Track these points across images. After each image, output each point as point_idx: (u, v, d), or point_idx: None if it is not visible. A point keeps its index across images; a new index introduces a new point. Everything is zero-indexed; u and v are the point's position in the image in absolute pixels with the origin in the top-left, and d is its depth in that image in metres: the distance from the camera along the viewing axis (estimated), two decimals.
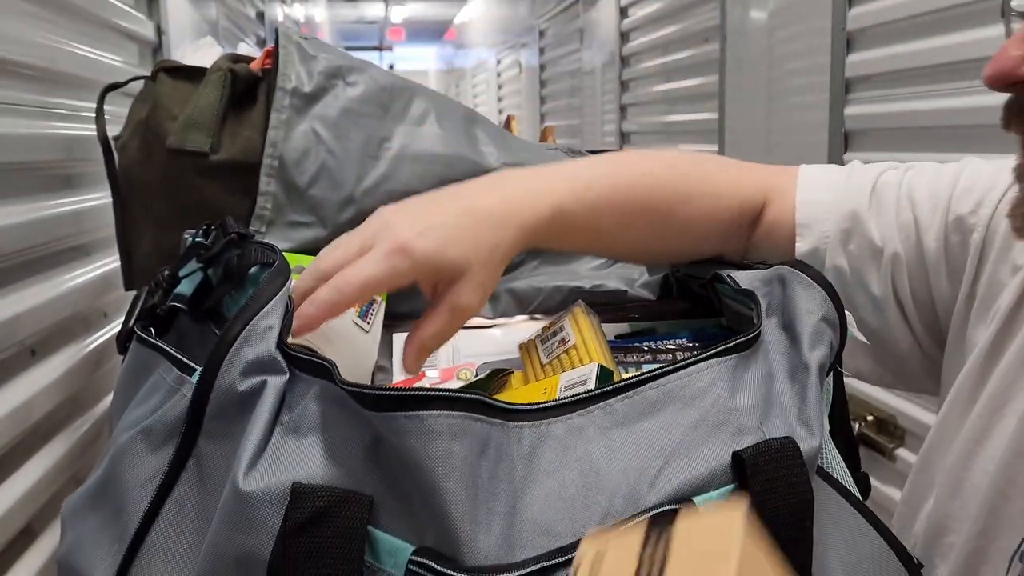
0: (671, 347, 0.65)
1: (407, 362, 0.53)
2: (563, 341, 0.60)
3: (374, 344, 0.68)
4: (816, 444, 0.48)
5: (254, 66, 0.71)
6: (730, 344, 0.50)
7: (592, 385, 0.51)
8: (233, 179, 0.67)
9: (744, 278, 0.58)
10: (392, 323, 0.68)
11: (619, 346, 0.66)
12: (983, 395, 0.59)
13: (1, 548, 0.72)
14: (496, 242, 0.54)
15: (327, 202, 0.67)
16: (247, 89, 0.69)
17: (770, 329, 0.52)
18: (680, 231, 0.65)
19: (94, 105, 0.84)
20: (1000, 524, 0.56)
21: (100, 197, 0.99)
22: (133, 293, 0.79)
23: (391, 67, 11.72)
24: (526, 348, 0.63)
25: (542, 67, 4.26)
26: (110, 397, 0.97)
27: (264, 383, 0.44)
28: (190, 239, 0.59)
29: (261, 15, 2.71)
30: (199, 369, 0.46)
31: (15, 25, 0.82)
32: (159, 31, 1.32)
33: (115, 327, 1.04)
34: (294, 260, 0.67)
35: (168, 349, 0.50)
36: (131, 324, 0.54)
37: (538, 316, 0.74)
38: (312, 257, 0.67)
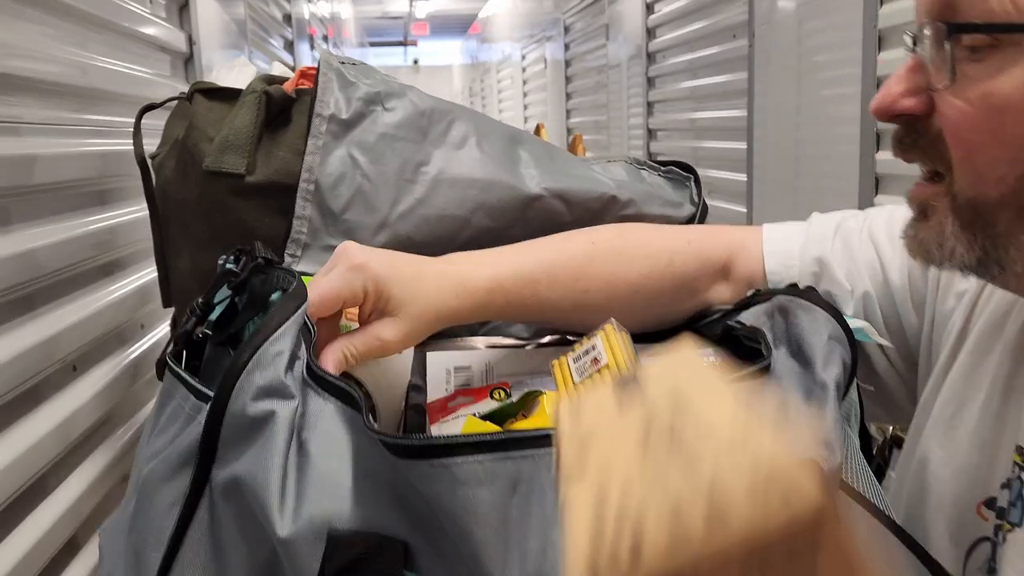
0: None
1: (327, 361, 0.56)
2: (595, 360, 0.60)
3: (406, 363, 0.69)
4: (836, 462, 0.48)
5: (288, 87, 0.72)
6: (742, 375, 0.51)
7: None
8: (268, 199, 0.68)
9: (750, 316, 0.59)
10: (425, 342, 0.69)
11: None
12: (931, 416, 0.62)
13: (47, 561, 0.74)
14: (434, 298, 0.61)
15: (362, 226, 0.68)
16: (281, 110, 0.69)
17: (780, 360, 0.53)
18: (630, 293, 0.68)
19: (126, 119, 0.85)
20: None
21: (134, 211, 1.00)
22: (171, 309, 0.81)
23: (415, 62, 11.75)
24: (559, 366, 0.63)
25: (567, 62, 4.25)
26: (148, 408, 1.00)
27: (275, 410, 0.45)
28: (224, 263, 0.59)
29: (288, 17, 2.72)
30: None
31: (44, 42, 0.84)
32: (190, 41, 1.33)
33: (152, 338, 1.05)
34: None
35: (187, 378, 0.51)
36: (168, 351, 0.55)
37: (572, 337, 0.74)
38: None
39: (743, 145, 2.11)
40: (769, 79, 1.98)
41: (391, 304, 0.59)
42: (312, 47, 3.36)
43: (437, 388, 0.70)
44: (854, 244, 0.69)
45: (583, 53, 3.93)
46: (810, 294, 0.57)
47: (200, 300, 0.55)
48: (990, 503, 0.57)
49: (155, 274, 0.79)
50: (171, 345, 0.55)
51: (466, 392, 0.68)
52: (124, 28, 1.06)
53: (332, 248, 0.69)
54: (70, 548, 0.80)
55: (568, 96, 4.25)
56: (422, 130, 0.71)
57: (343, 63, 0.72)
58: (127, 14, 1.07)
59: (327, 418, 0.46)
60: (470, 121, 0.73)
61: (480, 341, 0.73)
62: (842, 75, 1.61)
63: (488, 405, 0.67)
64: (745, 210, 2.12)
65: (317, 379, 0.47)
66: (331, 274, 0.58)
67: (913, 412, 0.70)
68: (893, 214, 0.69)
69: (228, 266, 0.57)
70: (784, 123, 1.90)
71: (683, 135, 2.68)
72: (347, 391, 0.46)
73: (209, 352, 0.57)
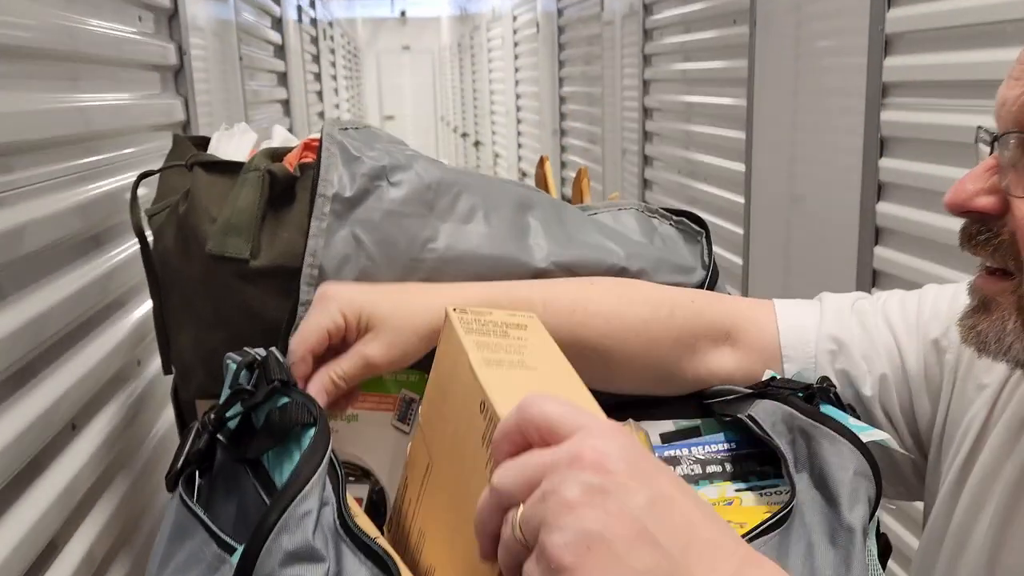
0: (719, 456, 0.65)
1: (312, 388, 0.58)
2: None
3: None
4: None
5: (291, 159, 0.69)
6: (770, 522, 0.50)
7: None
8: (274, 282, 0.66)
9: (766, 414, 0.59)
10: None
11: (664, 455, 0.65)
12: (956, 513, 0.62)
13: None
14: (420, 307, 0.60)
15: None
16: (284, 188, 0.67)
17: (803, 488, 0.53)
18: (626, 334, 0.67)
19: (115, 154, 0.82)
20: None
21: (125, 250, 0.98)
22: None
23: (403, 14, 11.53)
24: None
25: (560, 28, 4.17)
26: (151, 453, 0.99)
27: (308, 572, 0.44)
28: (232, 364, 0.58)
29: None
30: (238, 550, 0.46)
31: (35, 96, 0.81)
32: (180, 51, 1.29)
33: (150, 373, 1.04)
34: None
35: (207, 521, 0.50)
36: (179, 465, 0.54)
37: None
38: None
39: (742, 135, 2.08)
40: (768, 66, 1.94)
41: (373, 321, 0.60)
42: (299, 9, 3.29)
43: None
44: (870, 325, 0.69)
45: (575, 18, 3.85)
46: (832, 423, 0.56)
47: (212, 416, 0.53)
48: None
49: (148, 307, 0.76)
50: (180, 460, 0.54)
51: None
52: (114, 58, 1.02)
53: None
54: None
55: (561, 64, 4.19)
56: (428, 204, 0.69)
57: (345, 130, 0.70)
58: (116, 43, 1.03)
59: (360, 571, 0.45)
60: (478, 192, 0.71)
61: None
62: (846, 73, 1.58)
63: None
64: (743, 200, 2.10)
65: (350, 534, 0.46)
66: (308, 315, 0.59)
67: (922, 489, 0.70)
68: (905, 301, 0.70)
69: (239, 379, 0.55)
70: (783, 111, 1.87)
71: (678, 116, 2.64)
72: (378, 552, 0.45)
73: (220, 460, 0.56)
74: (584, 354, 0.63)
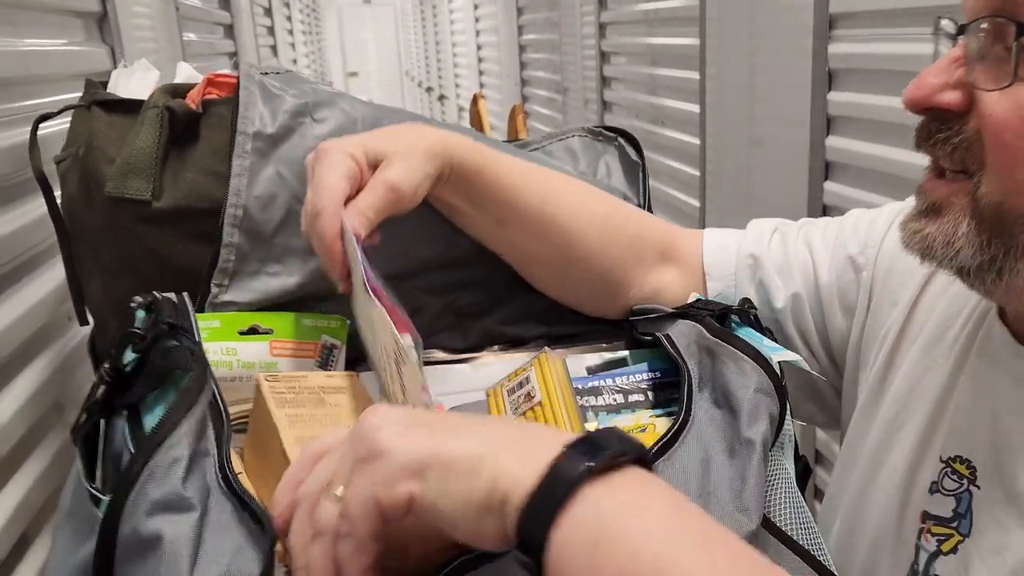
0: (642, 384, 0.64)
1: (353, 224, 0.57)
2: (529, 396, 0.58)
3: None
4: (752, 528, 0.48)
5: (193, 96, 0.66)
6: (663, 441, 0.51)
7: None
8: (181, 225, 0.64)
9: (680, 339, 0.60)
10: (357, 367, 0.66)
11: (588, 386, 0.64)
12: (873, 427, 0.63)
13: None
14: (417, 139, 0.61)
15: (294, 249, 0.64)
16: (187, 126, 0.64)
17: (704, 407, 0.52)
18: (591, 219, 0.69)
19: (31, 102, 0.79)
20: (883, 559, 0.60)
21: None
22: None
23: None
24: (493, 398, 0.62)
25: None
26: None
27: (164, 529, 0.42)
28: (136, 307, 0.56)
29: None
30: (104, 500, 0.44)
31: None
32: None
33: (85, 329, 1.01)
34: (256, 318, 0.64)
35: (85, 481, 0.47)
36: (82, 419, 0.52)
37: (506, 347, 0.72)
38: (276, 312, 0.65)
39: (695, 75, 2.05)
40: (719, 3, 1.91)
41: (381, 154, 0.59)
42: None
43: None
44: (789, 243, 0.71)
45: None
46: (738, 342, 0.56)
47: (107, 366, 0.51)
48: (926, 516, 0.58)
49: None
50: (82, 415, 0.52)
51: None
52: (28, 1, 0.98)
53: (261, 273, 0.65)
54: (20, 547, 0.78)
55: (520, 11, 4.11)
56: None
57: (266, 74, 0.67)
58: None
59: (233, 529, 0.43)
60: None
61: None
62: (794, 9, 1.56)
63: None
64: (698, 142, 2.09)
65: (229, 487, 0.45)
66: (319, 171, 0.58)
67: (839, 406, 0.71)
68: (827, 224, 0.72)
69: (137, 318, 0.53)
70: (738, 50, 1.85)
71: (638, 59, 2.60)
72: (255, 511, 0.43)
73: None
74: (549, 235, 0.67)
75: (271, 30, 3.86)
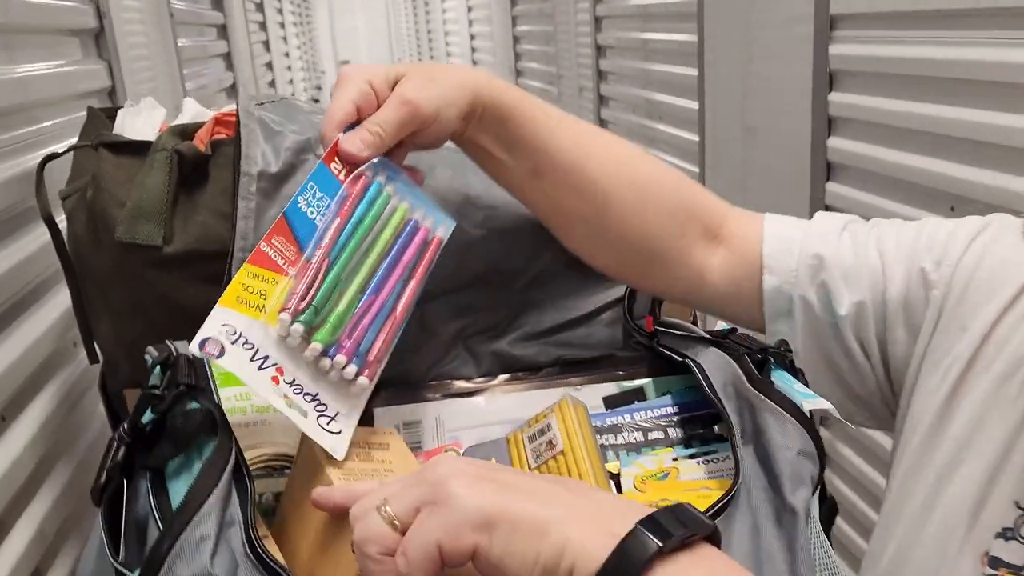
0: (663, 420, 0.64)
1: (347, 143, 0.55)
2: (551, 444, 0.58)
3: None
4: None
5: (202, 136, 0.66)
6: (718, 507, 0.50)
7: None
8: (191, 268, 0.63)
9: (716, 373, 0.57)
10: (374, 396, 0.66)
11: (606, 423, 0.64)
12: (935, 458, 0.59)
13: None
14: (449, 69, 0.60)
15: None
16: (195, 167, 0.64)
17: (748, 463, 0.51)
18: (631, 181, 0.66)
19: (32, 128, 0.77)
20: None
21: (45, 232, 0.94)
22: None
23: None
24: (514, 443, 0.61)
25: None
26: (96, 438, 0.96)
27: None
28: (151, 362, 0.55)
29: None
30: None
31: None
32: (99, 14, 1.23)
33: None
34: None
35: (111, 556, 0.47)
36: (102, 480, 0.51)
37: (520, 375, 0.71)
38: None
39: (694, 71, 2.04)
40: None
41: (397, 73, 0.58)
42: None
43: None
44: (859, 246, 0.65)
45: None
46: (778, 396, 0.54)
47: (126, 425, 0.50)
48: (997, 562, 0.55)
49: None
50: (103, 474, 0.51)
51: (417, 456, 0.66)
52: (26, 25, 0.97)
53: None
54: None
55: (513, 2, 4.09)
56: None
57: (262, 104, 0.66)
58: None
59: None
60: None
61: (429, 390, 0.70)
62: (793, 7, 1.55)
63: None
64: (697, 138, 2.08)
65: (258, 557, 0.44)
66: (332, 98, 0.56)
67: (886, 415, 0.67)
68: (902, 227, 0.66)
69: (152, 374, 0.52)
70: (734, 46, 1.84)
71: (632, 55, 2.59)
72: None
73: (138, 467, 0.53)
74: (583, 190, 0.64)
75: (263, 25, 3.83)
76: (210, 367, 0.56)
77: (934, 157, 1.24)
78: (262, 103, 0.66)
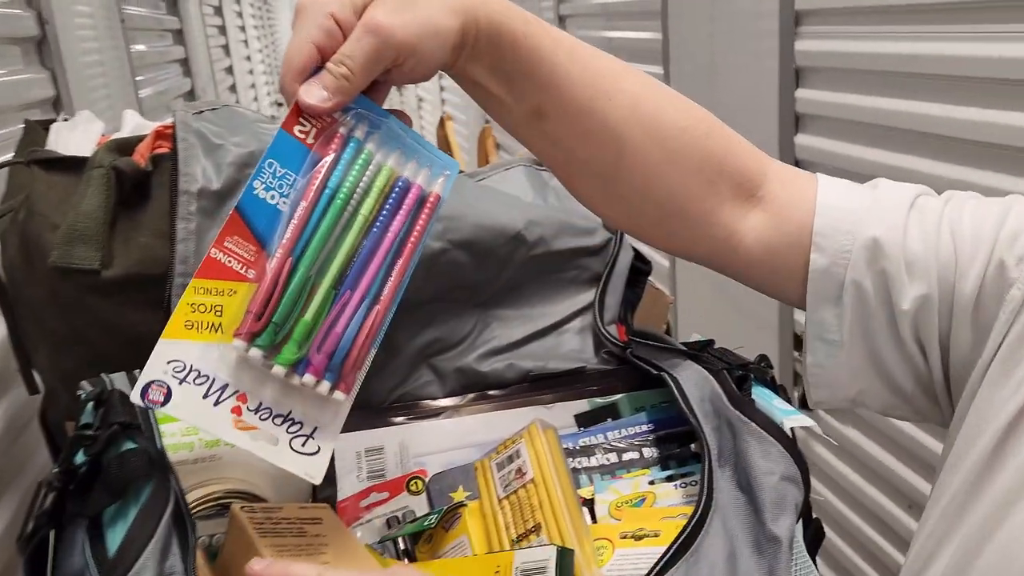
0: (637, 440, 0.61)
1: (305, 94, 0.46)
2: (520, 472, 0.55)
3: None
4: None
5: (142, 151, 0.62)
6: (683, 537, 0.47)
7: (552, 574, 0.46)
8: (133, 293, 0.59)
9: (694, 391, 0.54)
10: None
11: (578, 444, 0.61)
12: (996, 481, 0.51)
13: None
14: None
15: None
16: (136, 186, 0.60)
17: (725, 488, 0.48)
18: (655, 128, 0.56)
19: None
20: None
21: None
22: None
23: None
24: (481, 472, 0.58)
25: None
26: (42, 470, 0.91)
27: None
28: (84, 398, 0.51)
29: None
30: None
31: None
32: (41, 21, 1.17)
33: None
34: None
35: None
36: (28, 529, 0.47)
37: (488, 394, 0.68)
38: None
39: (659, 69, 2.02)
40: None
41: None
42: None
43: (348, 475, 0.64)
44: (930, 230, 0.55)
45: None
46: (760, 417, 0.51)
47: (57, 470, 0.46)
48: None
49: None
50: (30, 523, 0.47)
51: (380, 487, 0.62)
52: None
53: None
54: None
55: None
56: None
57: (201, 113, 0.62)
58: None
59: None
60: None
61: (392, 413, 0.67)
62: (760, 4, 1.53)
63: (403, 502, 0.62)
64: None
65: None
66: (291, 39, 0.47)
67: (934, 412, 0.59)
68: (980, 208, 0.55)
69: (85, 411, 0.49)
70: (700, 44, 1.82)
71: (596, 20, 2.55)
72: None
73: (70, 512, 0.49)
74: (595, 137, 0.54)
75: (222, 29, 3.76)
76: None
77: (902, 153, 1.23)
78: (201, 111, 0.62)
